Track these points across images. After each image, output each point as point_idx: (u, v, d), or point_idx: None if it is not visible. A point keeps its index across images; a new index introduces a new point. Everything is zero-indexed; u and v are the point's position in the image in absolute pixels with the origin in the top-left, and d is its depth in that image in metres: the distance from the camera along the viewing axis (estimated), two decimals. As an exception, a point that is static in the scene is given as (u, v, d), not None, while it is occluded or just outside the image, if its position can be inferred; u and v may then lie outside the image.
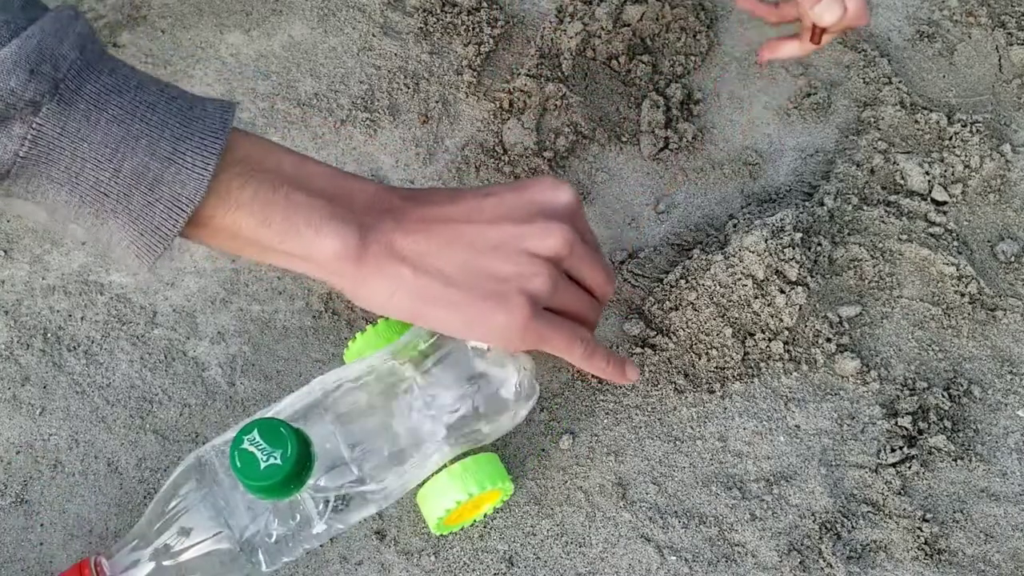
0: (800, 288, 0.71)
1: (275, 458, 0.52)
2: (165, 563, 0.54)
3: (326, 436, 0.57)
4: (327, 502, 0.57)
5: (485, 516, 0.65)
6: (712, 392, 0.70)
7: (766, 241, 0.71)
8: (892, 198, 0.77)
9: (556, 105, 0.79)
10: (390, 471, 0.57)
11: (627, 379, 0.62)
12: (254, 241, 0.51)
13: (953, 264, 0.74)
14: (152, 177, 0.48)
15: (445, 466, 0.61)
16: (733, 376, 0.70)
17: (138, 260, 0.50)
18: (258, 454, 0.52)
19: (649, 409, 0.69)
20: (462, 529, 0.65)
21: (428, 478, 0.61)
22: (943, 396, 0.69)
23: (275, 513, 0.56)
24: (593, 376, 0.70)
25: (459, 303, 0.54)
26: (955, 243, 0.75)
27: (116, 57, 0.49)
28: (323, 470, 0.56)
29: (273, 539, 0.56)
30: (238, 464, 0.52)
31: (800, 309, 0.71)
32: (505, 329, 0.54)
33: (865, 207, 0.77)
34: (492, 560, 0.64)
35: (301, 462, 0.53)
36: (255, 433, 0.53)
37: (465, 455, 0.61)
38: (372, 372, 0.59)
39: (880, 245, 0.75)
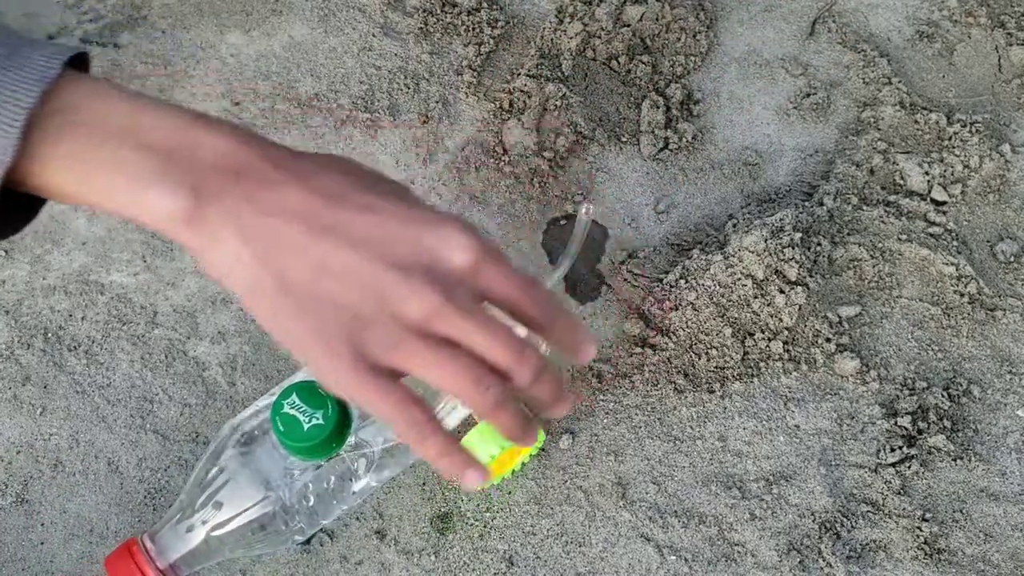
0: (800, 288, 0.71)
1: (317, 418, 0.53)
2: (213, 533, 0.55)
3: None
4: (365, 458, 0.58)
5: (523, 465, 0.67)
6: (712, 392, 0.70)
7: (766, 241, 0.71)
8: (892, 198, 0.77)
9: (556, 105, 0.79)
10: None
11: (465, 482, 0.51)
12: (77, 198, 0.46)
13: (953, 264, 0.74)
14: None
15: (475, 419, 0.62)
16: (733, 376, 0.70)
17: None
18: (300, 416, 0.53)
19: (649, 409, 0.70)
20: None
21: (460, 432, 0.62)
22: (943, 396, 0.70)
23: (315, 475, 0.57)
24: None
25: (285, 320, 0.47)
26: (955, 243, 0.75)
27: None
28: (359, 426, 0.57)
29: (312, 502, 0.57)
30: (281, 428, 0.53)
31: (800, 309, 0.71)
32: (322, 372, 0.48)
33: (865, 207, 0.77)
34: (492, 560, 0.64)
35: (342, 420, 0.54)
36: (294, 397, 0.54)
37: None
38: None
39: (880, 245, 0.75)
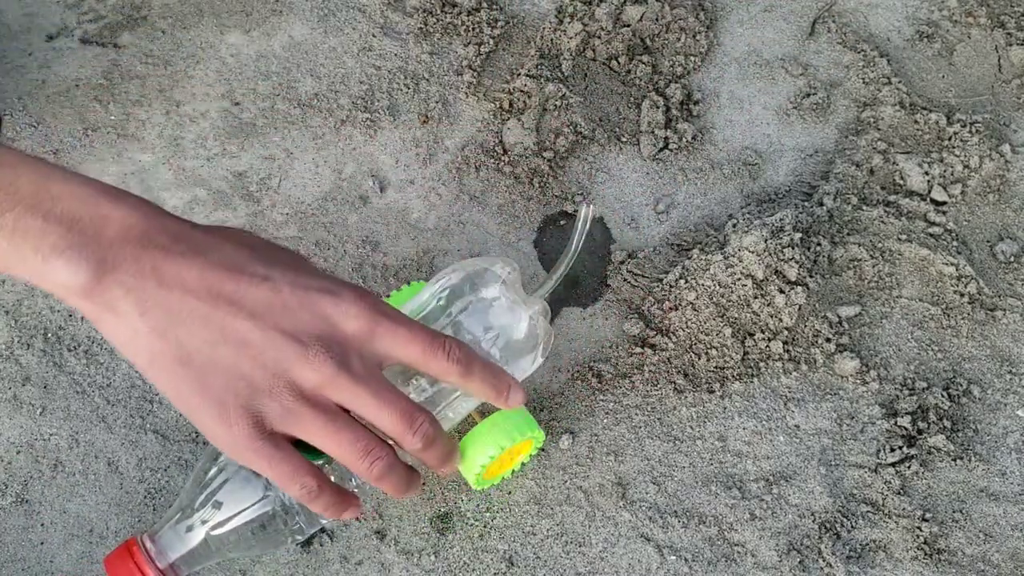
0: (799, 288, 0.71)
1: None
2: (213, 532, 0.55)
3: None
4: None
5: (523, 466, 0.67)
6: (712, 392, 0.70)
7: (765, 241, 0.71)
8: (892, 198, 0.77)
9: (556, 105, 0.79)
10: None
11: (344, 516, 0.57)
12: None
13: (952, 264, 0.74)
14: None
15: (474, 419, 0.62)
16: (733, 376, 0.70)
17: None
18: None
19: (649, 409, 0.70)
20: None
21: (465, 433, 0.62)
22: (943, 396, 0.70)
23: None
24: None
25: (184, 390, 0.49)
26: (954, 243, 0.75)
27: None
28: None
29: None
30: None
31: (800, 309, 0.71)
32: (219, 440, 0.50)
33: (865, 207, 0.77)
34: (492, 560, 0.64)
35: None
36: None
37: (494, 410, 0.62)
38: None
39: (880, 245, 0.75)
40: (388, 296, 0.66)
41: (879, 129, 0.81)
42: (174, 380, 0.49)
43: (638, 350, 0.71)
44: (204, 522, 0.56)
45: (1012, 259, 0.76)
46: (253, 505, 0.56)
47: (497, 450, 0.60)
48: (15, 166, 0.47)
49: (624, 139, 0.80)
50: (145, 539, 0.56)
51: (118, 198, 0.48)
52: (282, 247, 0.53)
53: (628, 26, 0.82)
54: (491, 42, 0.83)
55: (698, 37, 0.84)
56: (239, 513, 0.56)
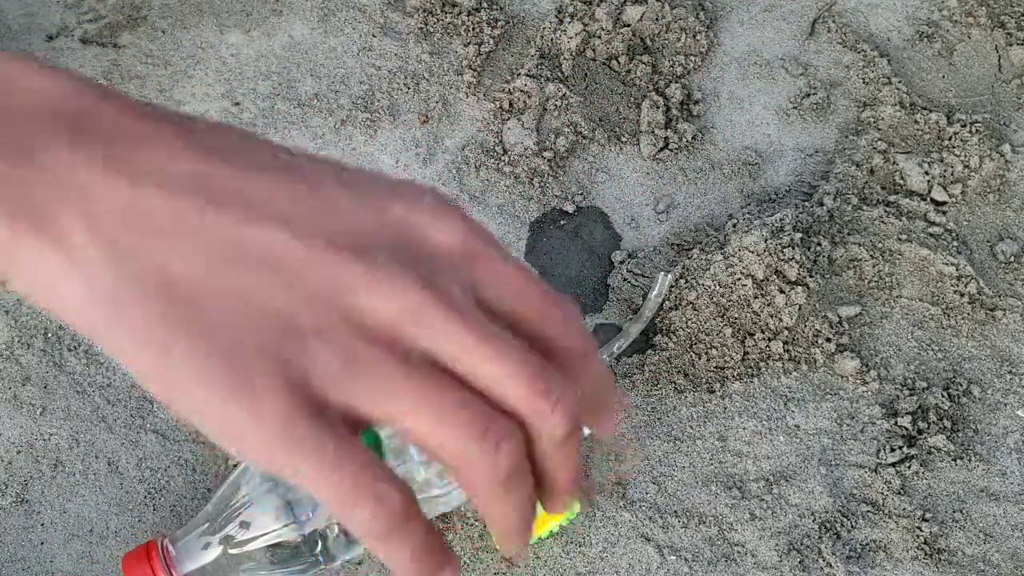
0: (800, 288, 0.71)
1: None
2: (231, 551, 0.55)
3: (392, 438, 0.57)
4: None
5: (551, 534, 0.65)
6: (712, 392, 0.70)
7: (766, 241, 0.71)
8: (892, 198, 0.77)
9: (556, 105, 0.79)
10: None
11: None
12: None
13: (953, 264, 0.74)
14: None
15: None
16: (733, 376, 0.70)
17: None
18: None
19: (649, 409, 0.70)
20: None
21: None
22: (943, 396, 0.70)
23: None
24: None
25: (164, 347, 0.27)
26: (955, 243, 0.75)
27: None
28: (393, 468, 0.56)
29: (336, 532, 0.57)
30: None
31: (800, 309, 0.71)
32: (231, 431, 0.27)
33: (865, 207, 0.77)
34: (492, 560, 0.64)
35: (373, 447, 0.53)
36: None
37: None
38: None
39: (880, 245, 0.75)
40: None
41: (879, 129, 0.81)
42: (146, 332, 0.27)
43: (638, 350, 0.71)
44: (225, 538, 0.55)
45: (1012, 259, 0.76)
46: (276, 530, 0.55)
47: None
48: None
49: (624, 139, 0.80)
50: (167, 544, 0.56)
51: (43, 64, 0.29)
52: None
53: (628, 26, 0.82)
54: (491, 42, 0.83)
55: (698, 37, 0.84)
56: (261, 535, 0.55)
